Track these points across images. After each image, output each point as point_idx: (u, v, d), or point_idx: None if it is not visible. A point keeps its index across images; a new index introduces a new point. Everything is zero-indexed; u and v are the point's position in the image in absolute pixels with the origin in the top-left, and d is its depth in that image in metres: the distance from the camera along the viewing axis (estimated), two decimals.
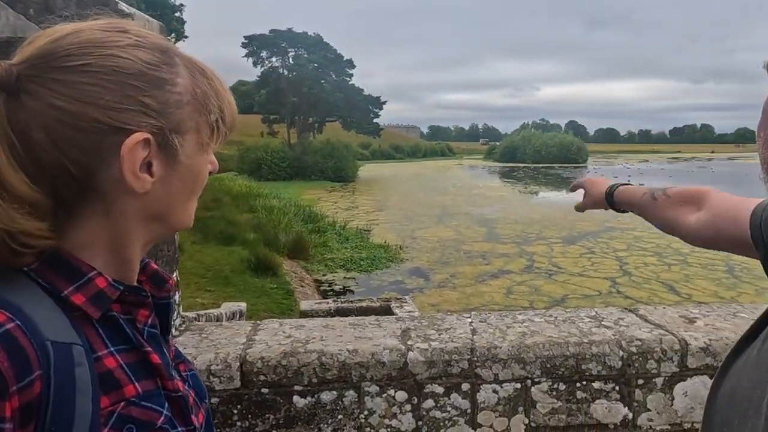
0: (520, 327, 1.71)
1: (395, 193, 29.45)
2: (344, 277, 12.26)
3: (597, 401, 1.60)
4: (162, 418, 0.56)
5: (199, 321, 4.69)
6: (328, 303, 7.28)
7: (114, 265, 0.57)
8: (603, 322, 1.75)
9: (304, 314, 6.71)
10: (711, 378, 1.62)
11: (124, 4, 1.55)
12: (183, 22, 26.77)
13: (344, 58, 43.84)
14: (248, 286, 9.53)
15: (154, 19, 1.75)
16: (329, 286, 11.60)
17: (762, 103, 0.56)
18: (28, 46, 0.52)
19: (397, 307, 6.81)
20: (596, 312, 1.86)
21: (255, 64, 42.62)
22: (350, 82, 44.04)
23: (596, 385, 1.60)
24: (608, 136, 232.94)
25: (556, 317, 1.80)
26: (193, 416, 0.62)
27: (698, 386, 1.62)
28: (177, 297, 1.80)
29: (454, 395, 1.56)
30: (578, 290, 11.33)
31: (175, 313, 1.70)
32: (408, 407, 1.55)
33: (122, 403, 0.53)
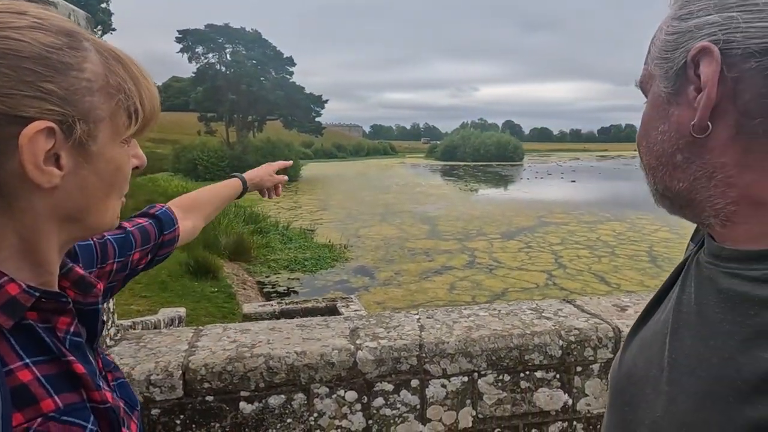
0: (466, 321, 1.74)
1: (339, 192, 29.33)
2: (288, 278, 12.07)
3: (540, 390, 1.67)
4: None
5: (135, 329, 4.47)
6: (272, 305, 7.13)
7: (28, 269, 0.53)
8: (543, 314, 1.82)
9: (247, 317, 6.54)
10: None
11: None
12: (110, 14, 25.33)
13: (284, 56, 43.13)
14: (187, 290, 9.16)
15: (79, 9, 1.64)
16: (273, 288, 11.38)
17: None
18: None
19: (343, 306, 6.78)
20: (537, 304, 1.93)
21: (190, 59, 41.08)
22: (291, 80, 43.40)
23: (539, 374, 1.66)
24: (542, 135, 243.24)
25: (499, 311, 1.86)
26: (124, 428, 0.60)
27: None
28: (111, 304, 1.69)
29: (403, 392, 1.58)
30: (517, 283, 11.75)
31: (110, 322, 1.60)
32: (358, 407, 1.55)
33: (39, 419, 0.49)
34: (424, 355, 1.58)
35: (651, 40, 0.56)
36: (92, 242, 0.77)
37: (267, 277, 12.08)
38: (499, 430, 1.66)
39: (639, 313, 0.67)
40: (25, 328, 0.51)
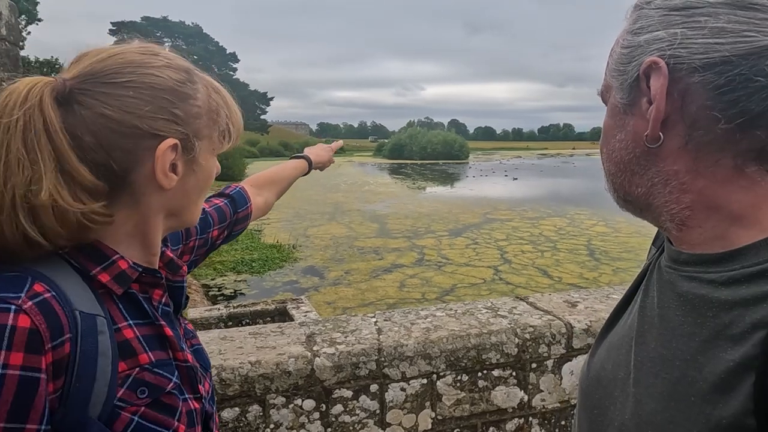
0: (423, 323, 1.73)
1: (286, 192, 28.79)
2: (235, 281, 11.73)
3: (497, 388, 1.68)
4: (171, 384, 0.64)
5: None
6: (219, 309, 6.88)
7: (138, 249, 0.66)
8: (499, 312, 1.84)
9: (194, 323, 6.29)
10: None
11: None
12: (36, 3, 23.62)
13: (227, 51, 41.95)
14: None
15: None
16: (219, 291, 11.02)
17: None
18: (77, 63, 0.62)
19: (293, 308, 6.64)
20: (492, 302, 1.95)
21: None
22: (234, 77, 42.28)
23: (496, 372, 1.68)
24: (486, 133, 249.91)
25: (456, 310, 1.86)
26: (200, 385, 0.71)
27: (582, 364, 1.77)
28: None
29: (362, 397, 1.54)
30: (465, 279, 11.98)
31: None
32: (316, 415, 1.50)
33: (137, 369, 0.61)
34: (383, 359, 1.55)
35: (610, 51, 0.58)
36: None
37: (212, 279, 11.69)
38: (458, 430, 1.66)
39: (608, 315, 0.69)
40: (129, 296, 0.64)
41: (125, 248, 0.64)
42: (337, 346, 1.55)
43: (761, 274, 0.46)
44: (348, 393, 1.53)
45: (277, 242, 14.98)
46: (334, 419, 1.52)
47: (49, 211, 0.56)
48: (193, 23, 41.12)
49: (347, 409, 1.53)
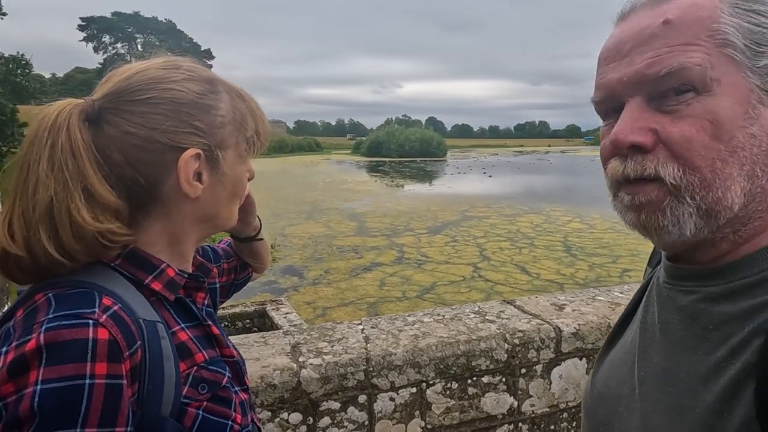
0: (411, 330, 1.69)
1: (262, 190, 28.52)
2: None
3: (486, 395, 1.66)
4: (225, 378, 0.69)
5: None
6: None
7: (174, 258, 0.69)
8: (487, 317, 1.81)
9: None
10: (581, 360, 1.77)
11: None
12: None
13: (202, 48, 41.27)
14: None
15: None
16: None
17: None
18: (105, 83, 0.66)
19: (273, 309, 6.55)
20: (479, 306, 1.92)
21: (96, 50, 38.27)
22: None
23: (485, 379, 1.65)
24: (463, 131, 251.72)
25: (443, 315, 1.83)
26: (246, 377, 0.78)
27: (570, 368, 1.76)
28: None
29: (350, 409, 1.50)
30: (445, 277, 12.03)
31: None
32: (303, 429, 1.45)
33: (195, 368, 0.65)
34: (371, 369, 1.51)
35: (697, 20, 0.48)
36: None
37: None
38: None
39: (609, 332, 0.69)
40: (178, 301, 0.69)
41: (165, 257, 0.68)
42: (324, 357, 1.50)
43: (759, 284, 0.47)
44: (336, 405, 1.48)
45: None
46: None
47: (67, 228, 0.58)
48: (166, 19, 40.39)
49: (335, 421, 1.48)
